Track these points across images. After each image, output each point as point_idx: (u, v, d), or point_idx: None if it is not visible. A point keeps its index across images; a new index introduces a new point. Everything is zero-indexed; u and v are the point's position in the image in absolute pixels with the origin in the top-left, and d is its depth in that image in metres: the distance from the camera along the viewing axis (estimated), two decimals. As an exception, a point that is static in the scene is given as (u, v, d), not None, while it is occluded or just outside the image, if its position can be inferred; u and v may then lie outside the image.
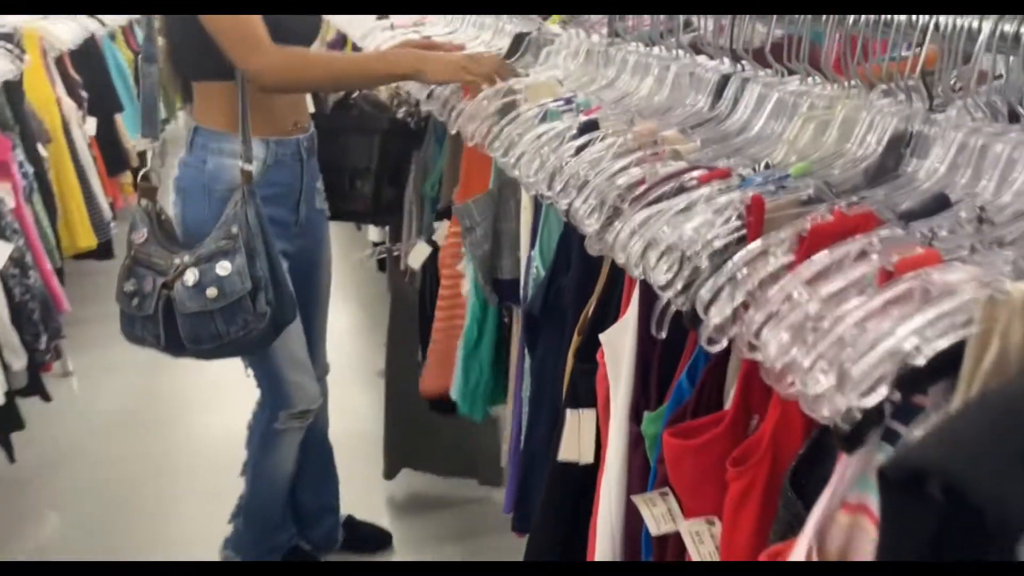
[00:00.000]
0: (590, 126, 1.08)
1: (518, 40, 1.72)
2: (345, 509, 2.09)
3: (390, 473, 2.30)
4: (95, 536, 2.15)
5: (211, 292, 1.50)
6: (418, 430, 2.26)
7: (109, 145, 3.64)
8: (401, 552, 2.14)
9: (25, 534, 2.18)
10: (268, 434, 1.79)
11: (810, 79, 0.92)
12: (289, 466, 1.86)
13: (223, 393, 2.36)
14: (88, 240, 3.09)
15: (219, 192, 1.59)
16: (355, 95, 2.06)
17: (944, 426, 0.45)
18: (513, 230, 1.49)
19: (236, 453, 1.91)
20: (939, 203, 0.67)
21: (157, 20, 2.86)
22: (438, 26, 2.38)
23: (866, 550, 0.58)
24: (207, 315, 1.51)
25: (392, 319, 2.29)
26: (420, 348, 1.97)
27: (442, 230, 1.78)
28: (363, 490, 2.27)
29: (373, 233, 3.14)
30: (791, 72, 0.96)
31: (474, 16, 2.18)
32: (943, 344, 0.48)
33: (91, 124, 3.42)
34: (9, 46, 2.75)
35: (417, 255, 1.90)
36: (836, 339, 0.53)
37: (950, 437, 0.44)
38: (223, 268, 1.51)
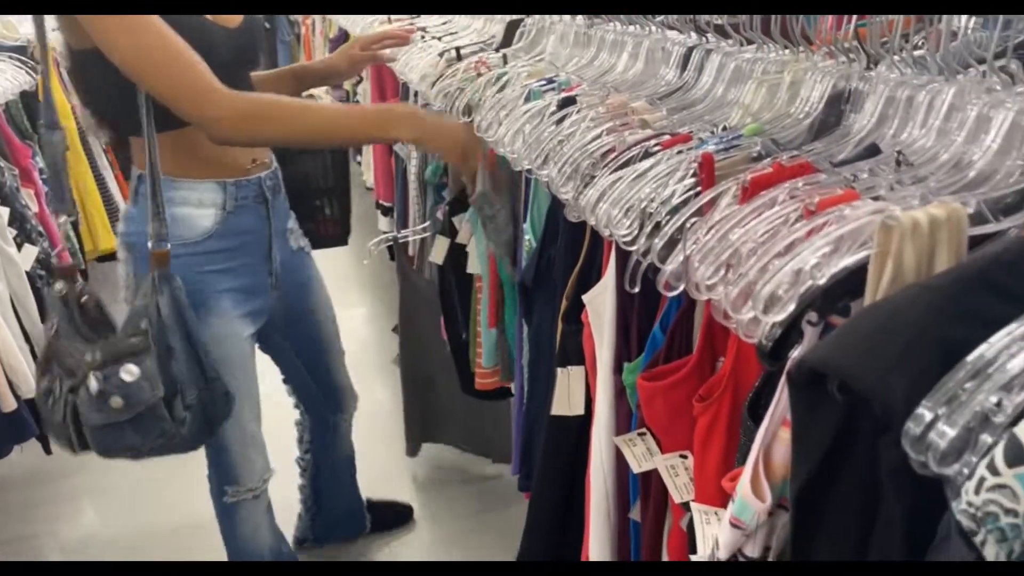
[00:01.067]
0: (568, 102, 1.15)
1: (512, 28, 1.78)
2: (371, 488, 2.12)
3: (413, 450, 2.40)
4: (131, 528, 2.21)
5: (116, 402, 1.27)
6: (436, 409, 2.36)
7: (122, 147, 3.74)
8: (422, 526, 2.23)
9: (61, 527, 2.25)
10: (223, 509, 1.62)
11: (766, 47, 0.99)
12: (265, 537, 1.68)
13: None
14: (109, 242, 3.20)
15: (172, 248, 1.35)
16: None
17: (839, 332, 0.52)
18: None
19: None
20: (870, 151, 0.74)
21: (57, 92, 2.55)
22: (433, 16, 2.44)
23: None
24: (116, 427, 1.29)
25: (402, 305, 2.37)
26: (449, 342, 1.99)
27: (464, 230, 1.75)
28: (386, 469, 2.36)
29: (382, 222, 3.22)
30: (750, 42, 1.02)
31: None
32: (843, 263, 0.56)
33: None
34: (23, 58, 2.87)
35: (439, 250, 1.85)
36: (760, 268, 0.60)
37: (842, 340, 0.51)
38: (128, 373, 1.27)
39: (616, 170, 0.91)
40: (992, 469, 0.41)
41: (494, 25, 1.99)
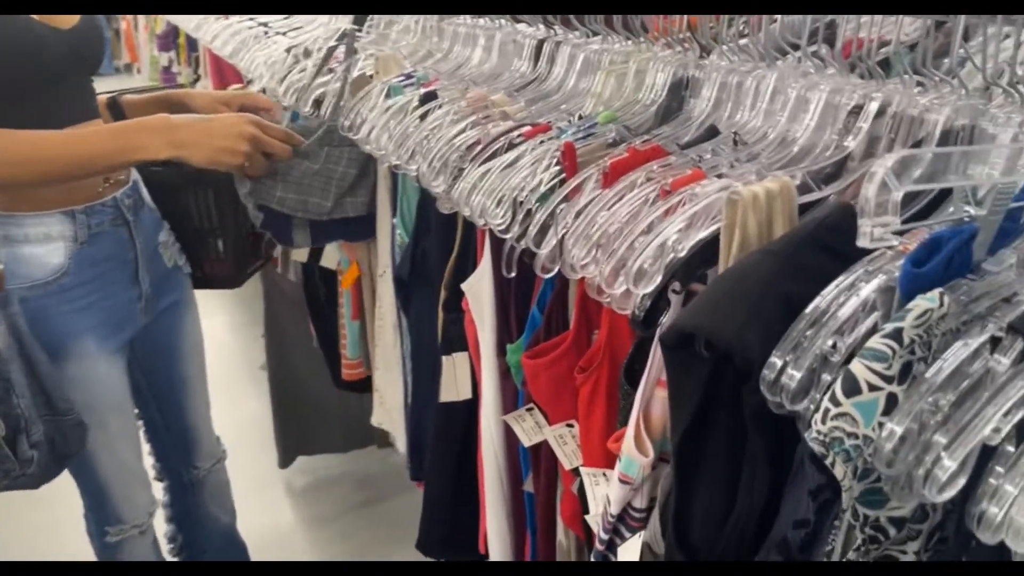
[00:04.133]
0: (429, 97, 1.18)
1: (359, 22, 1.78)
2: (243, 503, 1.88)
3: (285, 462, 2.34)
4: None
5: None
6: (307, 415, 2.31)
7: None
8: (309, 531, 2.20)
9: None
10: (103, 548, 1.49)
11: (609, 38, 1.06)
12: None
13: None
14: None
15: (20, 290, 1.21)
16: None
17: (699, 297, 0.59)
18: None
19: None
20: (710, 132, 0.83)
21: None
22: (274, 15, 2.37)
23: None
24: None
25: (268, 310, 2.32)
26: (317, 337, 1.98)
27: (331, 254, 1.73)
28: (260, 481, 2.30)
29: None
30: (595, 33, 1.09)
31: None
32: (699, 236, 0.63)
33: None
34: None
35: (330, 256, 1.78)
36: (627, 246, 0.67)
37: (703, 304, 0.58)
38: None
39: (484, 162, 0.95)
40: (834, 401, 0.49)
41: (340, 21, 1.97)
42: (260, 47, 2.08)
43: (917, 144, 0.66)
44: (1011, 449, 0.47)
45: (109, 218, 1.30)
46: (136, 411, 1.55)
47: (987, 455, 0.48)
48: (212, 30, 2.57)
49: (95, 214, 1.28)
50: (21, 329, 1.20)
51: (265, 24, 2.27)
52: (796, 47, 0.83)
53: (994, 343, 0.49)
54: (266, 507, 2.22)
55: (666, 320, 0.67)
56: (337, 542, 2.15)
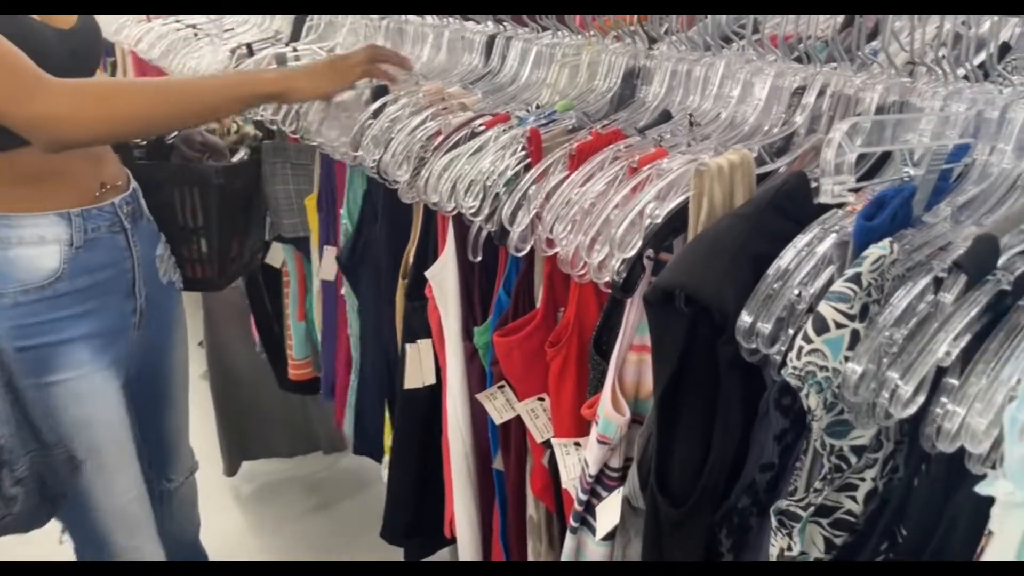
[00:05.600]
0: (381, 91, 1.22)
1: (299, 22, 1.78)
2: None
3: (231, 470, 2.32)
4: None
5: None
6: (252, 422, 2.29)
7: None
8: (260, 538, 2.18)
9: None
10: None
11: (559, 32, 1.12)
12: None
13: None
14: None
15: (10, 296, 1.15)
16: (173, 136, 1.51)
17: (678, 258, 0.65)
18: (284, 192, 1.59)
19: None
20: (664, 117, 0.89)
21: None
22: (201, 17, 2.34)
23: (650, 375, 0.79)
24: None
25: (207, 316, 2.28)
26: (260, 340, 1.97)
27: (276, 253, 1.74)
28: (206, 491, 2.26)
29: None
30: (544, 28, 1.15)
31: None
32: (671, 206, 0.69)
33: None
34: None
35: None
36: (604, 220, 0.72)
37: (683, 264, 0.64)
38: None
39: (448, 151, 0.99)
40: (806, 339, 0.56)
41: (276, 21, 1.96)
42: (191, 50, 2.05)
43: (854, 119, 0.74)
44: (954, 382, 0.54)
45: (106, 223, 1.24)
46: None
47: (934, 391, 0.55)
48: (134, 34, 2.50)
49: (92, 218, 1.22)
50: (5, 353, 1.14)
51: (194, 26, 2.23)
52: (740, 36, 0.90)
53: (937, 283, 0.57)
54: (215, 515, 2.18)
55: (643, 283, 0.72)
56: (289, 546, 2.14)
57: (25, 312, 1.16)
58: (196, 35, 2.13)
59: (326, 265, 1.56)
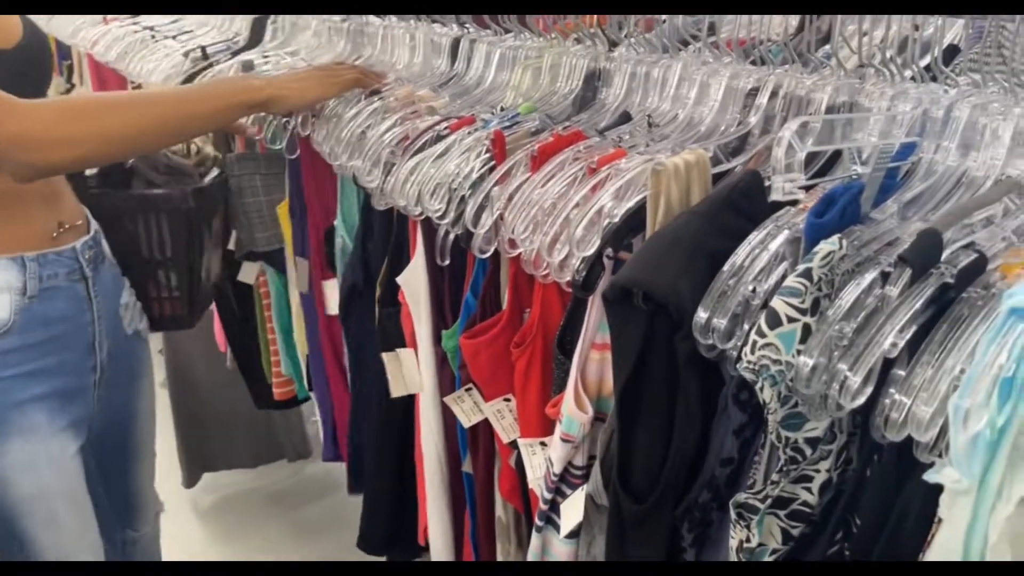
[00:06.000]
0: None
1: (259, 24, 1.77)
2: None
3: (191, 481, 2.27)
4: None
5: None
6: (213, 432, 2.24)
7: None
8: (222, 548, 2.14)
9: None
10: None
11: (522, 35, 1.13)
12: None
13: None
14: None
15: None
16: (131, 161, 1.38)
17: (637, 256, 0.66)
18: (255, 204, 1.56)
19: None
20: (624, 118, 0.91)
21: None
22: (160, 18, 2.29)
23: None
24: None
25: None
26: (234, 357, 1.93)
27: (249, 270, 1.70)
28: (166, 504, 2.23)
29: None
30: (507, 31, 1.16)
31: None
32: (629, 204, 0.70)
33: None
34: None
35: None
36: (563, 219, 0.73)
37: (641, 261, 0.65)
38: None
39: (414, 155, 1.00)
40: (760, 333, 0.57)
41: (235, 23, 1.94)
42: (148, 52, 2.02)
43: (807, 119, 0.76)
44: (901, 373, 0.56)
45: (65, 271, 1.11)
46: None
47: (882, 382, 0.56)
48: (91, 36, 2.46)
49: (48, 264, 1.09)
50: None
51: (151, 28, 2.19)
52: (697, 39, 0.92)
53: (884, 277, 0.58)
54: (174, 528, 2.14)
55: (602, 282, 0.73)
56: (252, 557, 2.11)
57: None
58: (154, 37, 2.10)
59: (329, 299, 1.46)
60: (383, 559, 1.46)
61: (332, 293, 1.44)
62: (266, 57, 1.59)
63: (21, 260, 1.06)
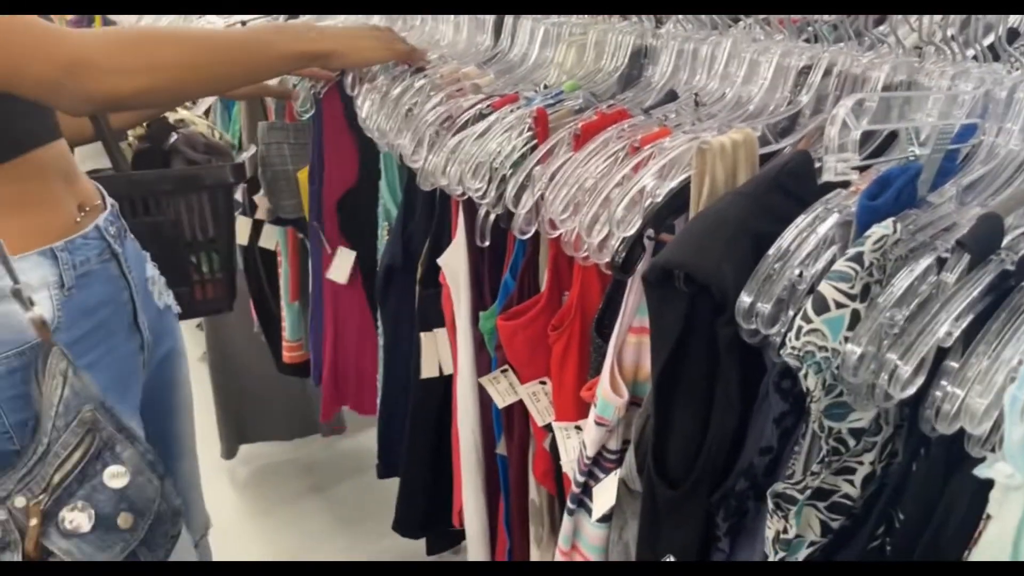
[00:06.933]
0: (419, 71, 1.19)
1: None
2: None
3: (229, 453, 2.32)
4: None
5: (124, 520, 0.93)
6: (250, 403, 2.28)
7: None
8: (256, 520, 2.18)
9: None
10: None
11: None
12: None
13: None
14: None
15: None
16: (174, 139, 1.32)
17: (679, 236, 0.64)
18: (284, 173, 1.58)
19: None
20: (670, 96, 0.88)
21: None
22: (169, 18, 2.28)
23: (649, 357, 0.78)
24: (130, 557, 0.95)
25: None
26: (259, 322, 1.97)
27: (262, 206, 1.71)
28: (204, 474, 2.26)
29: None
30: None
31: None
32: (673, 184, 0.68)
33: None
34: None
35: (241, 231, 1.70)
36: (604, 198, 0.71)
37: (683, 242, 0.63)
38: (116, 477, 0.92)
39: (456, 133, 0.99)
40: (806, 318, 0.55)
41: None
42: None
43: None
44: (954, 364, 0.53)
45: (95, 253, 1.03)
46: None
47: (934, 373, 0.54)
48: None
49: (78, 250, 1.00)
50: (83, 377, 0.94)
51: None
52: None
53: (940, 264, 0.56)
54: (211, 498, 2.18)
55: (642, 263, 0.72)
56: (285, 529, 2.14)
57: (22, 378, 0.93)
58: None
59: (340, 265, 1.45)
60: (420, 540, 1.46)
61: (342, 262, 1.41)
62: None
63: (51, 252, 0.97)
